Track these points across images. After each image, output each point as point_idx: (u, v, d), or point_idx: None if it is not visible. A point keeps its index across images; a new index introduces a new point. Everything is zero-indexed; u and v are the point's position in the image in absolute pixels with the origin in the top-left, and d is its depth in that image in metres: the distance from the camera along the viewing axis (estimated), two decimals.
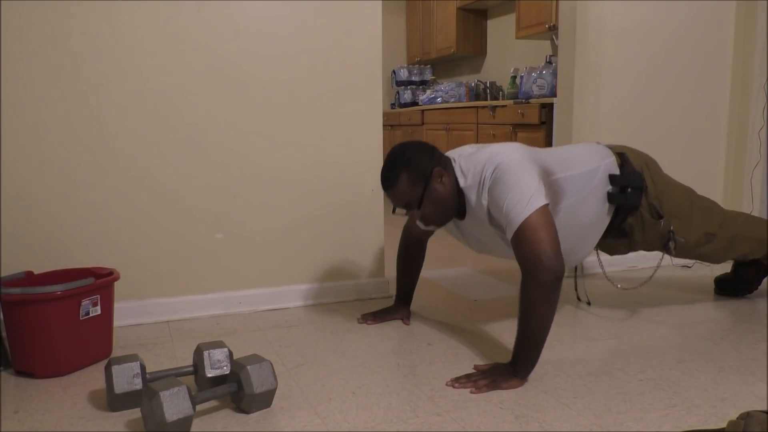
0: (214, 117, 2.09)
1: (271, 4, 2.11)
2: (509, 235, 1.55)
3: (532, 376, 1.58)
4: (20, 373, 1.66)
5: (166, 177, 2.06)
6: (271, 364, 1.44)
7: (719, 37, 2.79)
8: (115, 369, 1.42)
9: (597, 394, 1.49)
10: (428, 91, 5.34)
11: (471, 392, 1.50)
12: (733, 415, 1.24)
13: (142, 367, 1.45)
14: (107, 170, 1.99)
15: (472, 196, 1.66)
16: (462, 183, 1.68)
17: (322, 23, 2.17)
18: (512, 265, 1.59)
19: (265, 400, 1.42)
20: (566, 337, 1.90)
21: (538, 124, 3.46)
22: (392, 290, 2.21)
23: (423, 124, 4.99)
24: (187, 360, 1.69)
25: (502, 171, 1.58)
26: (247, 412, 1.41)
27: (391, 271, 2.29)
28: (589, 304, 2.24)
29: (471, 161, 1.68)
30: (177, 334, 1.97)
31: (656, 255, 2.10)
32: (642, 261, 2.62)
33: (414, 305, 2.13)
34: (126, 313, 2.01)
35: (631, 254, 2.27)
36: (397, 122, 5.47)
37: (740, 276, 2.30)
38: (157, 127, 2.03)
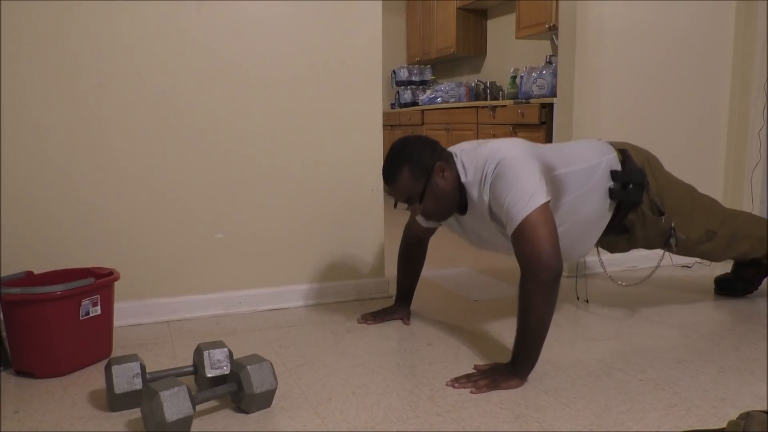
0: (214, 117, 2.09)
1: (271, 4, 2.11)
2: (509, 231, 1.56)
3: (532, 376, 1.58)
4: (20, 373, 1.66)
5: (166, 177, 2.06)
6: (271, 364, 1.44)
7: (719, 37, 2.79)
8: (115, 369, 1.42)
9: (597, 394, 1.49)
10: (428, 91, 5.34)
11: (471, 392, 1.50)
12: (733, 415, 1.24)
13: (142, 367, 1.45)
14: (107, 170, 1.99)
15: (473, 192, 1.66)
16: (463, 178, 1.68)
17: (322, 23, 2.17)
18: (512, 265, 1.59)
19: (265, 400, 1.42)
20: (566, 337, 1.90)
21: (538, 124, 3.46)
22: (392, 290, 2.21)
23: (423, 124, 4.99)
24: (187, 360, 1.69)
25: (503, 167, 1.59)
26: (247, 412, 1.41)
27: (390, 271, 2.29)
28: (587, 302, 2.24)
29: (472, 156, 1.68)
30: (177, 334, 1.97)
31: (656, 255, 2.11)
32: (642, 261, 2.62)
33: (414, 305, 2.13)
34: (126, 313, 2.01)
35: (631, 254, 2.27)
36: (397, 122, 5.47)
37: (740, 276, 2.30)
38: (157, 127, 2.03)
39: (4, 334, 1.68)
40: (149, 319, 2.07)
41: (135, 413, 1.41)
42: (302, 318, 2.12)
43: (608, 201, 1.83)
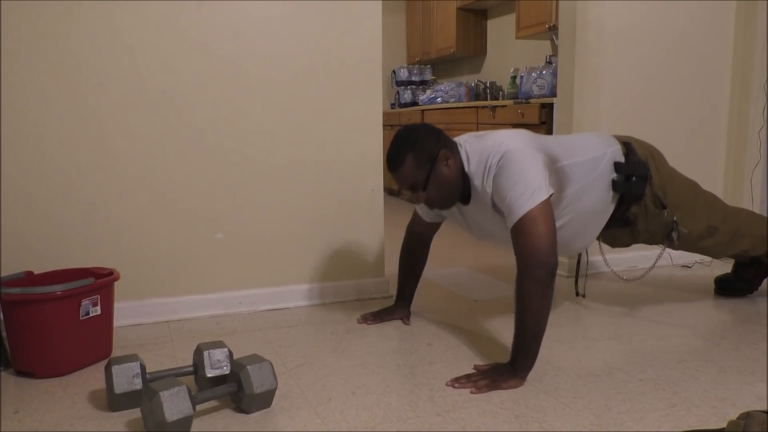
0: (214, 117, 2.09)
1: (271, 4, 2.11)
2: (509, 224, 1.57)
3: (532, 376, 1.58)
4: (20, 373, 1.66)
5: (166, 177, 2.06)
6: (271, 364, 1.44)
7: (719, 37, 2.79)
8: (115, 369, 1.42)
9: (597, 394, 1.49)
10: (428, 91, 5.34)
11: (471, 392, 1.50)
12: (733, 415, 1.24)
13: (142, 367, 1.45)
14: (107, 170, 1.99)
15: (476, 182, 1.67)
16: (467, 168, 1.69)
17: (322, 23, 2.17)
18: (512, 264, 1.59)
19: (265, 400, 1.42)
20: (566, 337, 1.90)
21: (538, 124, 3.46)
22: (392, 290, 2.21)
23: None
24: (187, 360, 1.69)
25: (507, 160, 1.59)
26: (247, 412, 1.41)
27: (390, 271, 2.29)
28: (583, 296, 2.24)
29: (476, 147, 1.69)
30: (177, 334, 1.97)
31: (656, 254, 2.11)
32: (642, 261, 2.61)
33: (414, 305, 2.13)
34: (126, 313, 2.01)
35: (631, 254, 2.27)
36: (397, 122, 5.47)
37: (740, 276, 2.30)
38: (157, 127, 2.03)
39: (4, 334, 1.68)
40: (149, 319, 2.07)
41: (135, 413, 1.41)
42: (302, 318, 2.12)
43: (611, 193, 1.83)
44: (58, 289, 1.61)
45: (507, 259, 1.59)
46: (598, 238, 2.00)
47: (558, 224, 1.73)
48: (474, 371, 1.62)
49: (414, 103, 5.70)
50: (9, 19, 1.83)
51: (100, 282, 1.71)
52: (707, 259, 2.77)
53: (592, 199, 1.80)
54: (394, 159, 1.68)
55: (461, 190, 1.72)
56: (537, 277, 1.51)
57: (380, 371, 1.65)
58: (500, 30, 5.13)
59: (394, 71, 5.98)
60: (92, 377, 1.64)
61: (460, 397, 1.49)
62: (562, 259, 2.65)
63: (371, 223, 2.33)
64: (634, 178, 1.82)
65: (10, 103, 1.87)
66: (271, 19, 2.12)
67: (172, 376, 1.41)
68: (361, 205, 2.30)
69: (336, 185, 2.26)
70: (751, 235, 2.08)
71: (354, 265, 2.33)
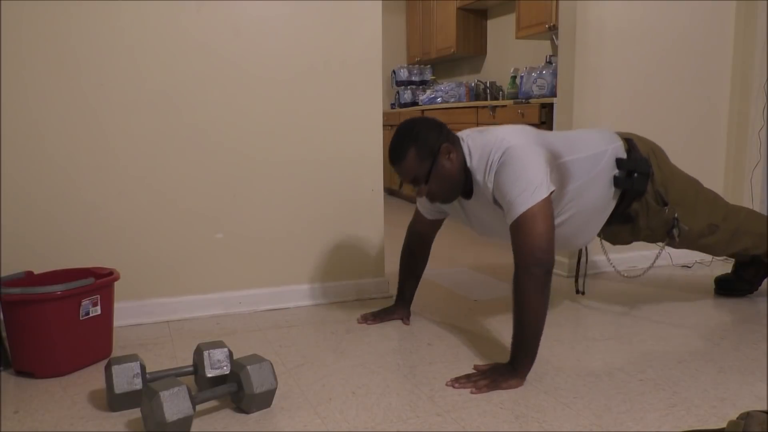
0: (214, 117, 2.09)
1: (271, 4, 2.11)
2: (509, 221, 1.58)
3: (532, 376, 1.58)
4: (20, 373, 1.66)
5: (166, 177, 2.06)
6: (271, 364, 1.44)
7: (719, 37, 2.79)
8: (115, 369, 1.42)
9: (597, 394, 1.49)
10: (428, 91, 5.34)
11: (471, 392, 1.50)
12: (733, 415, 1.23)
13: (142, 367, 1.45)
14: (107, 170, 1.99)
15: (478, 177, 1.67)
16: (469, 163, 1.69)
17: (322, 23, 2.17)
18: (512, 264, 1.59)
19: (265, 400, 1.42)
20: (566, 337, 1.90)
21: (538, 124, 3.45)
22: (392, 290, 2.20)
23: None
24: (187, 360, 1.69)
25: (509, 156, 1.59)
26: (247, 412, 1.41)
27: (390, 271, 2.29)
28: (583, 293, 2.24)
29: (478, 142, 1.69)
30: (177, 334, 1.97)
31: (656, 252, 2.10)
32: (642, 261, 2.61)
33: (414, 305, 2.13)
34: (126, 313, 2.01)
35: (632, 254, 2.26)
36: (397, 122, 5.45)
37: (740, 276, 2.30)
38: (157, 127, 2.03)
39: (4, 334, 1.68)
40: (149, 319, 2.07)
41: (135, 413, 1.41)
42: (302, 318, 2.12)
43: (613, 189, 1.84)
44: (58, 289, 1.61)
45: (507, 258, 1.59)
46: (599, 235, 2.00)
47: (560, 220, 1.74)
48: (474, 371, 1.62)
49: (414, 103, 5.70)
50: (9, 19, 1.83)
51: (100, 282, 1.71)
52: (707, 259, 2.77)
53: (594, 195, 1.80)
54: (396, 152, 1.68)
55: (463, 185, 1.72)
56: (534, 274, 1.52)
57: (380, 371, 1.65)
58: (500, 30, 5.12)
59: (394, 71, 5.98)
60: (92, 377, 1.64)
61: (460, 397, 1.49)
62: (563, 259, 2.65)
63: (371, 223, 2.33)
64: (635, 175, 1.82)
65: (10, 103, 1.87)
66: (271, 19, 2.12)
67: (172, 376, 1.41)
68: (361, 205, 2.30)
69: (336, 185, 2.26)
70: (752, 233, 2.08)
71: (354, 265, 2.33)
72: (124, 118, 1.99)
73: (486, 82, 4.97)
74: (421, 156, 1.65)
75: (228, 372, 1.48)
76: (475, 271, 2.79)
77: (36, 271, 1.82)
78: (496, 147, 1.62)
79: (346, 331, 1.98)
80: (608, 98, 2.62)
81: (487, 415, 1.39)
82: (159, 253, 2.07)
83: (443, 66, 6.05)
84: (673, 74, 2.72)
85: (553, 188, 1.59)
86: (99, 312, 1.71)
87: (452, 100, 5.09)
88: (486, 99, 4.84)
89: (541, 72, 3.87)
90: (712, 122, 2.84)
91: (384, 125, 2.36)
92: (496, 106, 3.93)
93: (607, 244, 2.14)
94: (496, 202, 1.66)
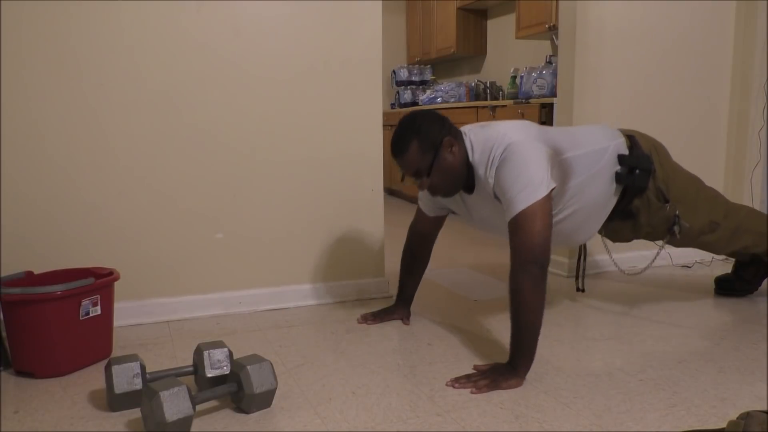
0: (214, 117, 2.09)
1: (271, 4, 2.11)
2: (507, 218, 1.58)
3: (532, 376, 1.58)
4: (20, 373, 1.66)
5: (166, 177, 2.06)
6: (271, 364, 1.44)
7: (719, 37, 2.79)
8: (115, 369, 1.42)
9: (597, 394, 1.49)
10: (428, 91, 5.35)
11: (471, 392, 1.50)
12: (733, 415, 1.23)
13: (142, 367, 1.45)
14: (107, 170, 1.99)
15: (480, 172, 1.67)
16: (471, 157, 1.69)
17: (322, 23, 2.17)
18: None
19: (265, 400, 1.42)
20: (566, 337, 1.90)
21: (538, 124, 3.46)
22: (392, 290, 2.21)
23: None
24: (187, 360, 1.69)
25: (510, 152, 1.59)
26: (247, 412, 1.41)
27: (390, 271, 2.29)
28: (583, 290, 2.24)
29: (480, 137, 1.69)
30: (177, 334, 1.97)
31: (656, 251, 2.10)
32: (643, 261, 2.60)
33: (414, 305, 2.13)
34: (126, 313, 2.01)
35: (632, 254, 2.26)
36: (397, 122, 5.46)
37: (740, 276, 2.30)
38: (157, 126, 2.03)
39: (4, 334, 1.68)
40: (149, 319, 2.07)
41: (135, 413, 1.41)
42: (302, 318, 2.12)
43: (614, 185, 1.84)
44: (58, 289, 1.61)
45: (507, 258, 1.59)
46: (600, 232, 2.00)
47: (561, 216, 1.74)
48: (474, 371, 1.62)
49: (414, 103, 5.70)
50: (9, 19, 1.83)
51: (100, 282, 1.71)
52: (707, 259, 2.77)
53: (595, 191, 1.80)
54: (398, 145, 1.68)
55: (465, 179, 1.72)
56: (531, 272, 1.52)
57: (380, 371, 1.65)
58: (500, 30, 5.13)
59: (394, 71, 5.98)
60: (92, 377, 1.64)
61: (460, 397, 1.49)
62: (563, 259, 2.65)
63: (371, 222, 2.33)
64: (637, 171, 1.82)
65: (10, 103, 1.87)
66: (271, 19, 2.12)
67: (172, 376, 1.41)
68: (361, 204, 2.30)
69: (336, 185, 2.26)
70: (752, 231, 2.08)
71: (354, 265, 2.33)
72: (124, 118, 1.99)
73: (486, 82, 4.97)
74: (424, 149, 1.65)
75: (228, 372, 1.48)
76: (475, 271, 2.79)
77: (36, 271, 1.82)
78: (498, 142, 1.63)
79: (346, 331, 1.98)
80: (608, 98, 2.62)
81: (487, 415, 1.39)
82: (159, 253, 2.07)
83: (443, 66, 6.05)
84: (673, 74, 2.72)
85: (553, 186, 1.59)
86: (99, 312, 1.71)
87: (452, 100, 5.09)
88: (486, 99, 4.84)
89: (541, 72, 3.88)
90: (712, 122, 2.84)
91: (384, 125, 2.36)
92: (496, 106, 3.93)
93: (609, 243, 2.14)
94: (497, 197, 1.66)
